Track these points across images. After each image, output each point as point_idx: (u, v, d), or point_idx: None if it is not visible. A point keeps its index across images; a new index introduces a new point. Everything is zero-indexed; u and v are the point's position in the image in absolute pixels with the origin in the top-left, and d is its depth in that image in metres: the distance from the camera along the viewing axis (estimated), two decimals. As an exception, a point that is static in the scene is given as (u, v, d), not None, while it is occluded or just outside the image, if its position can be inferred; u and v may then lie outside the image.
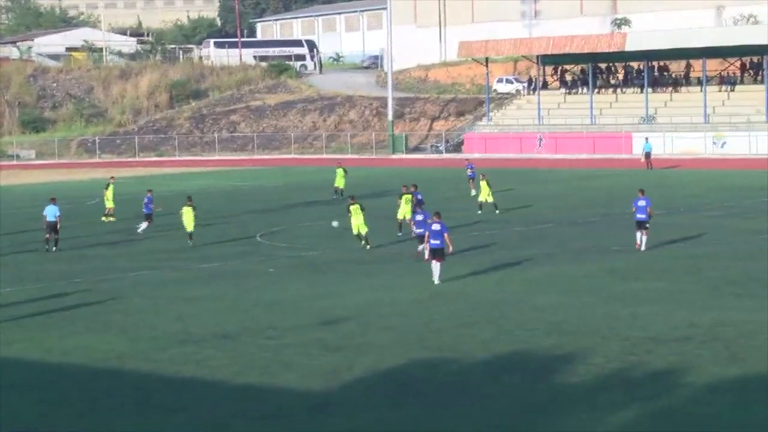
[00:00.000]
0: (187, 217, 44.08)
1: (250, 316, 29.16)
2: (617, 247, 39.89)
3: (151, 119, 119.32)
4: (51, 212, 43.65)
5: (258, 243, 44.68)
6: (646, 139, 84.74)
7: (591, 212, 52.21)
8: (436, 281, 32.86)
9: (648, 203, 38.57)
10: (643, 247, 38.37)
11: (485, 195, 52.11)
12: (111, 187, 54.19)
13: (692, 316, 27.32)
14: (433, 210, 35.72)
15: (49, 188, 75.29)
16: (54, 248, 43.35)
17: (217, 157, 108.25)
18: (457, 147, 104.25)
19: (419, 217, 37.93)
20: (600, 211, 52.69)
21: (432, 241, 33.10)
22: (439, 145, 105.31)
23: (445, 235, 32.90)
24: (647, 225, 38.50)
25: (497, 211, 51.44)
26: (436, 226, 33.10)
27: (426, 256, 34.90)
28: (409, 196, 45.01)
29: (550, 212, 52.76)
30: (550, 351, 24.25)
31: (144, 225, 47.91)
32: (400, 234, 43.89)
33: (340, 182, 62.15)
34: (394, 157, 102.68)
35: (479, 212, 51.62)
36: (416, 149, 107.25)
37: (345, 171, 63.19)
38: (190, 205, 44.40)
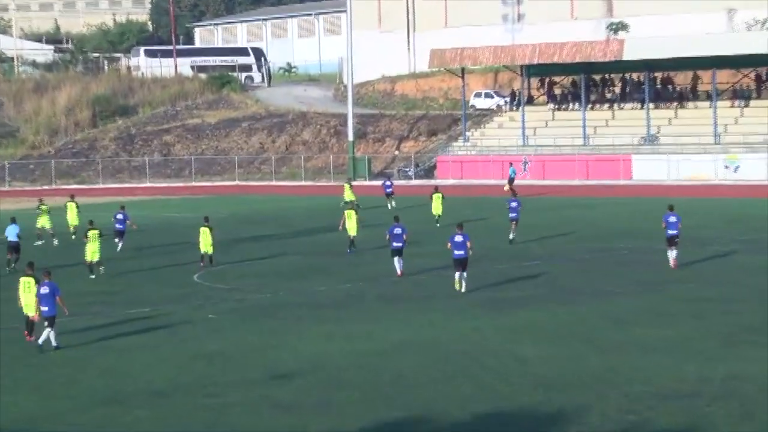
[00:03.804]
0: (204, 238, 48.14)
1: (188, 370, 29.04)
2: (614, 288, 40.04)
3: (70, 140, 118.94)
4: (12, 232, 48.76)
5: (196, 284, 44.56)
6: (511, 164, 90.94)
7: (585, 247, 52.39)
8: (462, 290, 38.61)
9: (678, 219, 43.73)
10: (672, 263, 43.36)
11: (437, 209, 62.60)
12: (70, 206, 60.31)
13: (702, 368, 27.43)
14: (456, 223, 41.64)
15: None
16: (14, 267, 47.40)
17: (148, 184, 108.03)
18: (429, 172, 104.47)
19: (397, 231, 43.37)
20: (595, 245, 52.89)
21: (456, 252, 38.52)
22: (407, 169, 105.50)
23: (468, 243, 38.50)
24: (677, 240, 43.48)
25: (438, 224, 60.60)
26: (458, 237, 38.55)
27: (399, 272, 42.86)
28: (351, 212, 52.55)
29: (538, 247, 52.92)
30: (538, 409, 24.29)
31: (120, 243, 53.59)
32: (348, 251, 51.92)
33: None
34: (355, 183, 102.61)
35: (438, 225, 60.63)
36: (381, 174, 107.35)
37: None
38: (207, 226, 48.51)
